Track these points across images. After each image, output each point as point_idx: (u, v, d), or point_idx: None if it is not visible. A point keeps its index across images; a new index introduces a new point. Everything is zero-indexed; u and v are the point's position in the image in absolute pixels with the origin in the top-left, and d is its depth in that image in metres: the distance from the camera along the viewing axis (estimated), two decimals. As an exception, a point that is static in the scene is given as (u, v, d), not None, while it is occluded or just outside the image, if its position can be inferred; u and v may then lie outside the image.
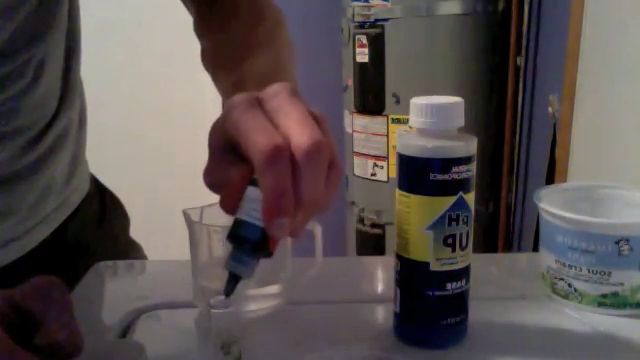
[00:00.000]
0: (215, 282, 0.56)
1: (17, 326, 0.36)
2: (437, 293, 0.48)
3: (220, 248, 0.55)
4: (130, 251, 0.77)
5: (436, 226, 0.46)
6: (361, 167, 1.93)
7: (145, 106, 2.25)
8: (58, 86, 0.65)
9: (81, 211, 0.71)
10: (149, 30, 2.14)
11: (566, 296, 0.55)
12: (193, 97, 2.10)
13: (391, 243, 0.50)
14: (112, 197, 0.79)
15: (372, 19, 1.79)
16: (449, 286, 0.48)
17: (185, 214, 0.54)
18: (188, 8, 0.68)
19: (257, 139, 0.37)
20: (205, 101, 1.67)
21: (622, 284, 0.52)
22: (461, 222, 0.47)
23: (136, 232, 0.80)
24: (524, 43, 1.79)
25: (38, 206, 0.64)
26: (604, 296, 0.53)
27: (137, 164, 2.24)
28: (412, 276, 0.49)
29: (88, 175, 0.75)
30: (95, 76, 0.67)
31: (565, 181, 1.48)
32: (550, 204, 0.57)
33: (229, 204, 0.40)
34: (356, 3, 1.81)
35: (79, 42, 0.67)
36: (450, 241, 0.47)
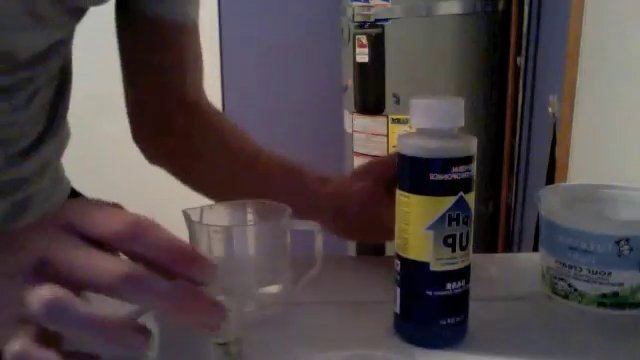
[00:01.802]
0: (215, 282, 0.56)
1: None
2: (437, 293, 0.48)
3: (220, 248, 0.55)
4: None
5: (436, 226, 0.46)
6: (361, 167, 1.93)
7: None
8: (46, 112, 0.65)
9: None
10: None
11: (566, 296, 0.55)
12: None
13: (391, 243, 0.50)
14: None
15: (372, 19, 1.79)
16: (449, 286, 0.48)
17: (185, 214, 0.54)
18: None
19: None
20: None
21: (622, 284, 0.52)
22: (461, 222, 0.47)
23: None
24: (524, 43, 1.79)
25: (9, 222, 0.64)
26: (604, 296, 0.53)
27: (137, 164, 2.24)
28: (412, 276, 0.49)
29: (67, 193, 0.76)
30: (94, 77, 0.68)
31: (565, 181, 1.48)
32: (550, 204, 0.57)
33: None
34: (356, 3, 1.81)
35: (71, 74, 0.68)
36: (450, 241, 0.47)
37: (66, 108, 0.69)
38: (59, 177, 0.73)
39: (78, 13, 0.59)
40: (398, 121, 1.81)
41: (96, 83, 1.85)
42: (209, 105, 0.74)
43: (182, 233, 0.55)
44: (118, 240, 0.33)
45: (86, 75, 0.73)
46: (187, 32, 0.68)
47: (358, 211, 0.62)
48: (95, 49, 1.71)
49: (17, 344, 0.31)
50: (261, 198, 0.55)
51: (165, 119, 0.70)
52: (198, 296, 0.33)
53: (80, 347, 0.34)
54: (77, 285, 0.33)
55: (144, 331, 0.33)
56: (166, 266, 0.33)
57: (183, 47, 0.69)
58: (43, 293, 0.31)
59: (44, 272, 0.32)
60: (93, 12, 0.61)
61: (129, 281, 0.32)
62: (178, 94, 0.70)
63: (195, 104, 0.72)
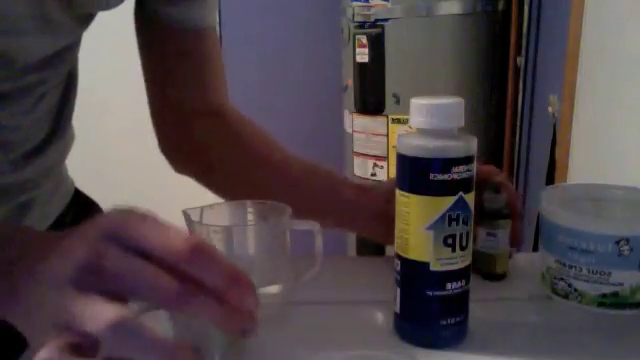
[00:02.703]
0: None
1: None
2: (437, 293, 0.48)
3: (220, 248, 0.55)
4: None
5: (436, 226, 0.46)
6: (361, 167, 1.93)
7: (146, 107, 2.26)
8: (52, 116, 0.65)
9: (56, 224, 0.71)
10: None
11: (566, 296, 0.55)
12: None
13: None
14: (91, 207, 0.79)
15: (372, 19, 1.79)
16: (449, 286, 0.48)
17: (185, 214, 0.54)
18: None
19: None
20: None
21: (622, 284, 0.52)
22: (461, 222, 0.47)
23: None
24: (524, 43, 1.79)
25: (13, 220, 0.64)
26: (604, 296, 0.53)
27: (139, 164, 2.25)
28: (412, 276, 0.49)
29: (70, 193, 0.75)
30: (97, 77, 0.68)
31: (565, 181, 1.48)
32: (550, 204, 0.57)
33: None
34: (356, 3, 1.81)
35: (77, 79, 0.68)
36: (450, 241, 0.47)
37: (71, 111, 0.69)
38: (63, 178, 0.73)
39: (87, 18, 0.59)
40: (398, 121, 1.81)
41: (99, 83, 1.85)
42: (233, 111, 0.73)
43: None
44: (177, 259, 0.33)
45: (89, 75, 0.73)
46: (206, 38, 0.68)
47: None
48: (98, 49, 1.71)
49: (45, 352, 0.31)
50: (292, 205, 0.55)
51: (187, 127, 0.70)
52: (242, 311, 0.35)
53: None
54: (125, 296, 0.32)
55: (197, 352, 0.33)
56: (221, 291, 0.34)
57: (202, 54, 0.68)
58: (108, 315, 0.31)
59: (88, 281, 0.32)
60: (99, 14, 0.61)
61: (183, 299, 0.32)
62: (199, 102, 0.69)
63: (218, 111, 0.71)
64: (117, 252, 0.32)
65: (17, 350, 0.51)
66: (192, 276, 0.33)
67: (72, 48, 0.62)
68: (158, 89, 0.69)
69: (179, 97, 0.69)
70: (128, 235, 0.33)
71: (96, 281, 0.32)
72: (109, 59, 2.03)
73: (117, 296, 0.32)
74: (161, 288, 0.32)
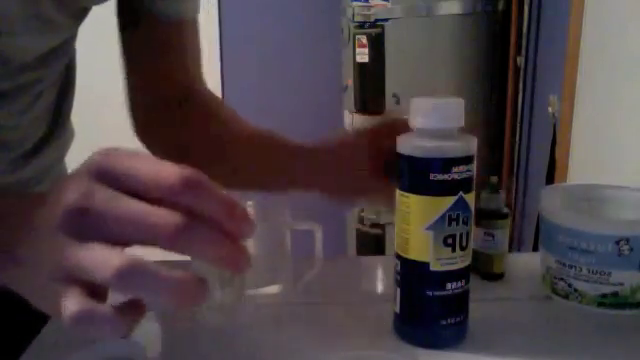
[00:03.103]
0: (215, 282, 0.57)
1: None
2: (437, 293, 0.48)
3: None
4: None
5: (436, 226, 0.46)
6: (361, 167, 1.93)
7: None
8: (50, 114, 0.65)
9: None
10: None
11: (566, 296, 0.55)
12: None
13: (391, 243, 0.50)
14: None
15: (372, 19, 1.79)
16: (449, 286, 0.48)
17: (185, 214, 0.54)
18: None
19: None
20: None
21: (622, 284, 0.52)
22: (461, 222, 0.47)
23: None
24: (524, 43, 1.79)
25: None
26: (604, 296, 0.53)
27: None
28: (412, 276, 0.49)
29: None
30: (96, 73, 0.68)
31: (565, 181, 1.48)
32: (550, 204, 0.57)
33: None
34: (356, 3, 1.81)
35: (74, 77, 0.68)
36: (450, 241, 0.47)
37: (70, 108, 0.69)
38: (62, 175, 0.74)
39: (81, 14, 0.59)
40: (398, 121, 1.81)
41: (98, 79, 1.85)
42: (209, 93, 0.73)
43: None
44: (171, 192, 0.30)
45: (88, 72, 0.73)
46: (187, 28, 0.68)
47: (352, 171, 0.63)
48: (97, 45, 1.71)
49: (73, 304, 0.30)
50: (262, 175, 0.55)
51: (165, 110, 0.70)
52: (238, 245, 0.33)
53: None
54: (122, 239, 0.31)
55: (202, 283, 0.31)
56: (219, 221, 0.32)
57: (182, 44, 0.69)
58: (111, 261, 0.29)
59: (79, 226, 0.30)
60: (94, 9, 0.61)
61: (184, 234, 0.30)
62: (178, 86, 0.70)
63: (196, 93, 0.71)
64: (104, 192, 0.31)
65: (17, 350, 0.51)
66: (188, 209, 0.31)
67: (67, 44, 0.62)
68: (138, 74, 0.69)
69: (158, 81, 0.69)
70: (116, 173, 0.31)
71: (87, 226, 0.30)
72: (108, 55, 2.03)
73: (113, 238, 0.30)
74: (157, 225, 0.30)
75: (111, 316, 0.30)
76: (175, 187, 0.30)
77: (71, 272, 0.30)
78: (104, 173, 0.31)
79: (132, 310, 0.31)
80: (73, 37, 0.63)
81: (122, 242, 0.31)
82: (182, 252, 0.31)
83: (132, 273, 0.29)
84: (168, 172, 0.31)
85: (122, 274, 0.29)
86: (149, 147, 0.72)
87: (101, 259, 0.29)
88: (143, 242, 0.30)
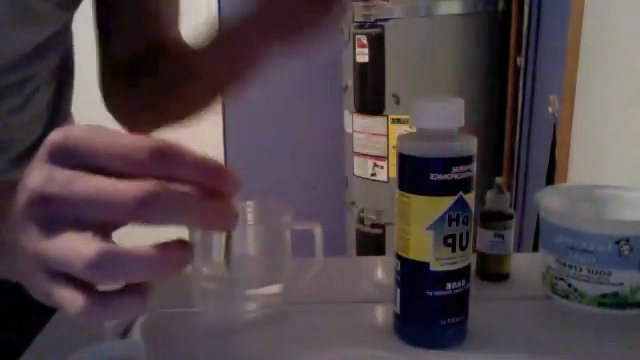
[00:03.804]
0: (215, 282, 0.57)
1: None
2: (437, 293, 0.48)
3: (220, 248, 0.55)
4: None
5: (436, 226, 0.46)
6: (361, 167, 1.93)
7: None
8: (46, 113, 0.64)
9: None
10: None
11: (566, 296, 0.55)
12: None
13: (391, 243, 0.50)
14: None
15: (372, 19, 1.79)
16: (449, 286, 0.48)
17: (185, 214, 0.54)
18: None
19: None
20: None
21: (622, 284, 0.52)
22: (461, 222, 0.47)
23: (137, 232, 0.80)
24: (524, 43, 1.80)
25: None
26: (604, 296, 0.53)
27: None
28: (412, 276, 0.49)
29: None
30: (91, 77, 0.67)
31: (565, 181, 1.48)
32: (550, 204, 0.57)
33: None
34: (356, 3, 1.81)
35: (72, 72, 0.67)
36: (450, 241, 0.47)
37: (68, 107, 0.68)
38: None
39: (71, 3, 0.56)
40: (398, 121, 1.81)
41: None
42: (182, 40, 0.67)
43: (182, 233, 0.55)
44: (142, 166, 0.29)
45: (86, 70, 0.72)
46: None
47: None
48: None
49: (73, 299, 0.29)
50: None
51: (140, 62, 0.65)
52: (219, 204, 0.31)
53: None
54: (89, 220, 0.29)
55: (184, 247, 0.30)
56: (198, 183, 0.30)
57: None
58: (82, 253, 0.28)
59: (48, 213, 0.29)
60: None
61: (144, 203, 0.28)
62: (154, 38, 0.65)
63: (170, 44, 0.66)
64: (62, 174, 0.29)
65: (17, 349, 0.51)
66: (164, 178, 0.29)
67: (59, 38, 0.59)
68: (112, 31, 0.65)
69: (133, 35, 0.65)
70: (77, 151, 0.29)
71: (52, 212, 0.29)
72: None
73: (82, 220, 0.29)
74: (114, 199, 0.28)
75: (112, 303, 0.29)
76: (144, 160, 0.29)
77: (46, 264, 0.29)
78: (64, 153, 0.30)
79: (134, 289, 0.30)
80: (65, 31, 0.60)
81: (94, 223, 0.29)
82: (150, 222, 0.29)
83: (103, 262, 0.28)
84: (136, 145, 0.29)
85: (93, 265, 0.28)
86: (119, 114, 0.68)
87: (70, 250, 0.28)
88: (110, 219, 0.29)
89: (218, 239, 0.35)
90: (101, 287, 0.30)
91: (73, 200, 0.28)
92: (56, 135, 0.30)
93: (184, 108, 0.63)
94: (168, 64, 0.63)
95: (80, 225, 0.29)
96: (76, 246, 0.28)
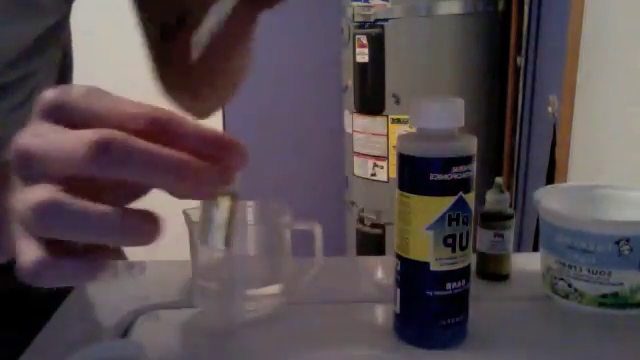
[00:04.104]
0: (215, 282, 0.57)
1: None
2: (437, 293, 0.48)
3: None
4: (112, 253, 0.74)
5: (436, 226, 0.46)
6: (361, 167, 1.93)
7: (149, 95, 2.25)
8: None
9: None
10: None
11: (566, 296, 0.55)
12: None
13: (391, 243, 0.50)
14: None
15: (372, 19, 1.79)
16: (449, 286, 0.48)
17: (185, 214, 0.54)
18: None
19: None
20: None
21: (622, 284, 0.52)
22: (461, 222, 0.47)
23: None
24: (524, 43, 1.80)
25: None
26: (604, 296, 0.53)
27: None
28: (412, 276, 0.49)
29: None
30: (95, 66, 0.66)
31: (565, 181, 1.48)
32: (550, 204, 0.57)
33: None
34: (356, 3, 1.81)
35: (71, 67, 0.66)
36: (450, 241, 0.47)
37: None
38: None
39: None
40: (398, 121, 1.81)
41: (99, 71, 1.85)
42: None
43: (182, 233, 0.55)
44: (139, 136, 0.27)
45: (87, 65, 0.72)
46: None
47: None
48: (97, 39, 1.70)
49: (26, 254, 0.28)
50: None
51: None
52: (204, 168, 0.28)
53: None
54: (59, 175, 0.27)
55: (153, 219, 0.28)
56: (203, 154, 0.28)
57: None
58: (31, 199, 0.27)
59: (27, 168, 0.28)
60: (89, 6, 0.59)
61: (104, 151, 0.26)
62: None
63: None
64: (43, 128, 0.28)
65: (17, 349, 0.51)
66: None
67: (58, 31, 0.58)
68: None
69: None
70: (69, 110, 0.28)
71: (30, 167, 0.28)
72: (106, 50, 2.03)
73: (55, 176, 0.27)
74: (73, 148, 0.26)
75: (63, 265, 0.28)
76: (141, 128, 0.27)
77: (15, 217, 0.28)
78: (57, 111, 0.28)
79: (96, 255, 0.29)
80: (63, 23, 0.59)
81: (74, 178, 0.27)
82: (111, 174, 0.27)
83: (45, 210, 0.26)
84: (134, 113, 0.28)
85: (35, 212, 0.27)
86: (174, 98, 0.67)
87: (25, 201, 0.27)
88: (70, 171, 0.27)
89: (219, 215, 0.33)
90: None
91: (42, 153, 0.28)
92: (49, 93, 0.29)
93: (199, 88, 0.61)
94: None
95: (58, 180, 0.27)
96: (30, 194, 0.27)
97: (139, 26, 0.65)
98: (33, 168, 0.28)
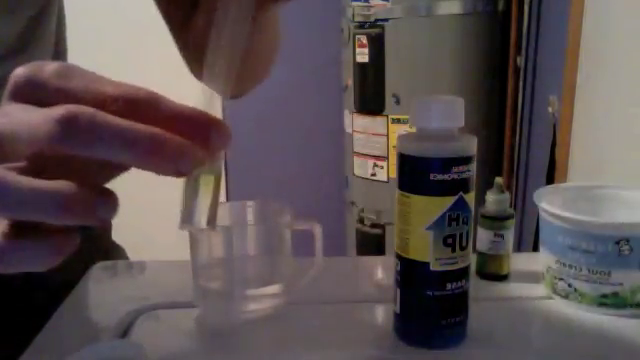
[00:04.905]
0: (215, 282, 0.57)
1: None
2: (437, 293, 0.48)
3: (220, 248, 0.55)
4: (112, 254, 0.75)
5: (436, 226, 0.46)
6: (361, 167, 1.93)
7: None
8: None
9: None
10: (143, 34, 2.14)
11: (566, 296, 0.55)
12: (189, 97, 2.11)
13: (391, 243, 0.50)
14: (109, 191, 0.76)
15: (372, 19, 1.79)
16: (449, 286, 0.48)
17: (185, 214, 0.54)
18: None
19: None
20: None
21: (622, 284, 0.52)
22: (461, 222, 0.47)
23: (137, 232, 0.80)
24: (524, 43, 1.80)
25: None
26: (604, 296, 0.53)
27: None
28: (412, 276, 0.49)
29: None
30: (91, 64, 0.66)
31: (565, 181, 1.48)
32: (550, 204, 0.57)
33: None
34: (356, 3, 1.81)
35: (65, 57, 0.65)
36: (450, 241, 0.47)
37: None
38: None
39: None
40: (398, 121, 1.81)
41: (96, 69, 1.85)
42: None
43: (182, 233, 0.55)
44: (118, 112, 0.26)
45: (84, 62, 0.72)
46: None
47: None
48: (95, 39, 1.70)
49: None
50: None
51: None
52: (176, 142, 0.27)
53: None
54: (27, 153, 0.27)
55: (108, 196, 0.27)
56: (182, 134, 0.27)
57: None
58: None
59: None
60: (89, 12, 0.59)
61: (68, 124, 0.25)
62: None
63: None
64: (10, 109, 0.27)
65: (17, 349, 0.51)
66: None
67: (41, 26, 0.57)
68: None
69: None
70: (42, 87, 0.27)
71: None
72: (102, 45, 2.03)
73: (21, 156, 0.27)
74: (37, 124, 0.25)
75: (14, 248, 0.27)
76: (116, 109, 0.26)
77: None
78: (29, 90, 0.27)
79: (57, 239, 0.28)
80: (45, 17, 0.57)
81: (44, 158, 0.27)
82: (78, 149, 0.26)
83: None
84: (109, 93, 0.27)
85: None
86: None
87: None
88: (40, 150, 0.26)
89: (203, 195, 0.32)
90: None
91: (5, 133, 0.27)
92: (20, 71, 0.28)
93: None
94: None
95: (27, 159, 0.27)
96: None
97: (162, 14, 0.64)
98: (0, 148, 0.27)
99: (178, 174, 0.28)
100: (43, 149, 0.26)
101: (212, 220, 0.33)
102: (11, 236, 0.27)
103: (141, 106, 0.27)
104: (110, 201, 0.27)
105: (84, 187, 0.27)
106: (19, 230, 0.27)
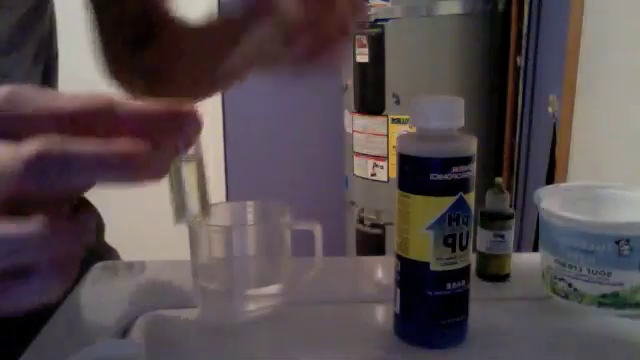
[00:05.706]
0: (215, 282, 0.57)
1: None
2: (437, 293, 0.48)
3: (220, 248, 0.55)
4: (105, 256, 0.74)
5: (436, 226, 0.46)
6: (361, 167, 1.93)
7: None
8: None
9: None
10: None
11: (566, 296, 0.55)
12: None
13: (391, 243, 0.50)
14: (82, 201, 0.75)
15: (372, 19, 1.79)
16: (449, 286, 0.48)
17: (185, 214, 0.54)
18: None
19: None
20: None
21: (622, 284, 0.52)
22: (461, 222, 0.47)
23: (137, 232, 0.80)
24: (524, 43, 1.80)
25: None
26: (604, 296, 0.53)
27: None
28: (412, 276, 0.49)
29: None
30: (84, 62, 0.66)
31: (565, 181, 1.48)
32: (550, 204, 0.57)
33: None
34: (356, 3, 1.81)
35: (56, 60, 0.65)
36: (450, 241, 0.47)
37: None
38: None
39: None
40: (398, 121, 1.81)
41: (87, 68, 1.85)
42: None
43: (182, 233, 0.55)
44: (80, 130, 0.25)
45: (78, 65, 0.72)
46: None
47: None
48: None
49: None
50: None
51: (145, 34, 0.62)
52: (147, 152, 0.26)
53: None
54: None
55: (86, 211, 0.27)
56: (149, 133, 0.26)
57: None
58: None
59: None
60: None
61: (38, 165, 0.24)
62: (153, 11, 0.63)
63: (164, 17, 0.64)
64: None
65: (17, 350, 0.51)
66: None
67: (32, 22, 0.56)
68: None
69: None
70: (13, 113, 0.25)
71: None
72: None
73: None
74: (10, 161, 0.24)
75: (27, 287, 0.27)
76: (79, 120, 0.25)
77: None
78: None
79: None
80: (36, 14, 0.57)
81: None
82: (53, 187, 0.25)
83: None
84: (72, 106, 0.25)
85: None
86: (128, 85, 0.65)
87: None
88: (12, 192, 0.25)
89: (188, 183, 0.32)
90: None
91: None
92: None
93: (177, 85, 0.61)
94: (162, 38, 0.61)
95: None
96: None
97: (96, 30, 0.64)
98: None
99: (158, 177, 0.27)
100: (12, 193, 0.25)
101: (205, 206, 0.33)
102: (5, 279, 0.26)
103: (100, 116, 0.26)
104: (89, 219, 0.27)
105: (60, 217, 0.26)
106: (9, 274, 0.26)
